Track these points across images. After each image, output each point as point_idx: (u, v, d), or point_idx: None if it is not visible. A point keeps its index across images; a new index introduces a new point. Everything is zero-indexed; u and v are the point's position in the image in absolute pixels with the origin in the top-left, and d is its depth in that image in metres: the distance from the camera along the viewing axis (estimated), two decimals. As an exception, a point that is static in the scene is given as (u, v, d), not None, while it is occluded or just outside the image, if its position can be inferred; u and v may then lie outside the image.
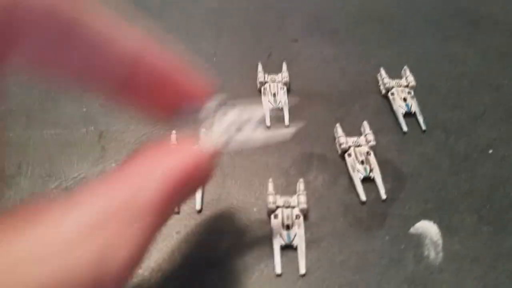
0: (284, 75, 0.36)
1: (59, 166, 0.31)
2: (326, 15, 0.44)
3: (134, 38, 0.18)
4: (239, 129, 0.21)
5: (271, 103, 0.35)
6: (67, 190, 0.30)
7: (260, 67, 0.37)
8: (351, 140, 0.31)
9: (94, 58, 0.18)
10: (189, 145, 0.20)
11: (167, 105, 0.21)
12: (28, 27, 0.16)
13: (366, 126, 0.32)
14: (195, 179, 0.19)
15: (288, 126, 0.33)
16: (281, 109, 0.34)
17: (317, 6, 0.45)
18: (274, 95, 0.35)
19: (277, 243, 0.27)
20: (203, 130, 0.21)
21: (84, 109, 0.35)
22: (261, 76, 0.36)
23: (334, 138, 0.32)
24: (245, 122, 0.22)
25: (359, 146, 0.31)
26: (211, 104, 0.21)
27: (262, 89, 0.35)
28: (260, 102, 0.35)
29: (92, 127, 0.33)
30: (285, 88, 0.35)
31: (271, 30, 0.42)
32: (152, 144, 0.20)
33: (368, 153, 0.31)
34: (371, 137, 0.31)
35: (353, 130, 0.33)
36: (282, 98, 0.35)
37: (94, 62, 0.18)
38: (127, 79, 0.19)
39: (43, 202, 0.16)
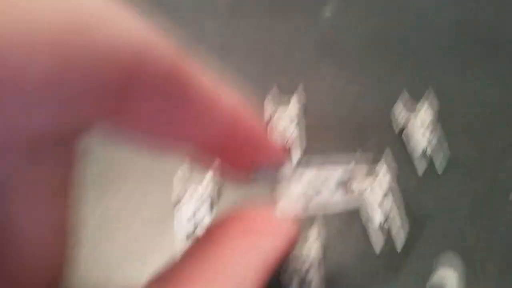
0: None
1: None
2: (337, 41, 0.42)
3: (232, 96, 0.18)
4: (317, 192, 0.20)
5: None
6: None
7: (266, 101, 0.35)
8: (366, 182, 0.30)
9: (199, 120, 0.17)
10: (284, 218, 0.19)
11: (250, 164, 0.20)
12: (145, 92, 0.14)
13: (381, 167, 0.30)
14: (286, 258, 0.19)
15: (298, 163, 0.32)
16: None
17: (327, 32, 0.43)
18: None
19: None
20: (279, 193, 0.20)
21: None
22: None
23: (347, 179, 0.31)
24: (323, 184, 0.21)
25: (373, 188, 0.30)
26: (288, 165, 0.20)
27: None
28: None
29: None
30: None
31: (278, 60, 0.40)
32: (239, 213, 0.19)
33: (384, 195, 0.29)
34: (387, 179, 0.30)
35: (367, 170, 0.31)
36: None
37: (199, 125, 0.17)
38: (224, 139, 0.18)
39: None
